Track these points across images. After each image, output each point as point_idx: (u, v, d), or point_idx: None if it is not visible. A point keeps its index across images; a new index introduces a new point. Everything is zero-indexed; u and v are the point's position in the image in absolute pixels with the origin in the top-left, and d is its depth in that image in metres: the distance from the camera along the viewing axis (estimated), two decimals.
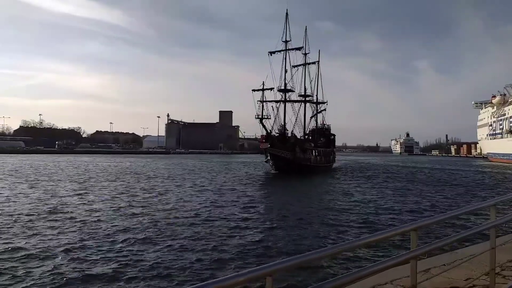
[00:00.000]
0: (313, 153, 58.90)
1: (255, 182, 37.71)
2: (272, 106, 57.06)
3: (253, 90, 54.48)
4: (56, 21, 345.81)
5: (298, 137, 60.13)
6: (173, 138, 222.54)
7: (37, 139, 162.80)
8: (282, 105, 58.79)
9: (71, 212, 18.33)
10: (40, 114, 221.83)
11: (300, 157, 51.95)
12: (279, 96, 58.60)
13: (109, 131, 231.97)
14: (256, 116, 52.72)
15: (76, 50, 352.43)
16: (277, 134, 54.39)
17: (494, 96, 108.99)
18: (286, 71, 57.66)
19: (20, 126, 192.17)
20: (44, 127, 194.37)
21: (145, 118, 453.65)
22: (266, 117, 53.19)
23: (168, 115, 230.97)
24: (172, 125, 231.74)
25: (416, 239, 3.93)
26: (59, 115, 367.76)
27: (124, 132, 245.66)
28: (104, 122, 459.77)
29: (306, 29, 65.71)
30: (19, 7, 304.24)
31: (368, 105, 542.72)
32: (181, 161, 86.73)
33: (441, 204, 23.50)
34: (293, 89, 59.49)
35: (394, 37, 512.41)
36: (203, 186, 32.34)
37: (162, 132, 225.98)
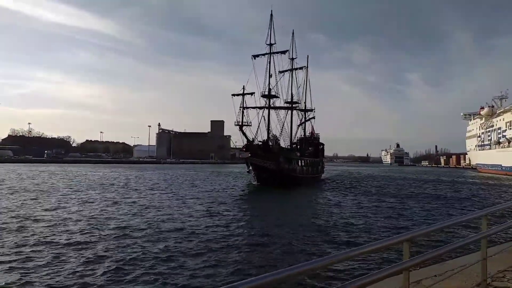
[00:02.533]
0: (299, 163, 55.66)
1: (231, 197, 33.46)
2: (257, 113, 54.03)
3: (233, 95, 51.08)
4: (47, 30, 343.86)
5: (284, 146, 57.11)
6: (164, 147, 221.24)
7: (26, 148, 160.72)
8: (266, 112, 55.18)
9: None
10: (29, 123, 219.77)
11: (285, 167, 48.52)
12: (263, 102, 55.21)
13: (99, 140, 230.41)
14: (236, 123, 49.53)
15: (67, 59, 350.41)
16: (260, 143, 50.70)
17: (482, 108, 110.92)
18: (270, 75, 54.28)
19: (8, 135, 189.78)
20: (33, 136, 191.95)
21: (136, 128, 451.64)
22: (246, 124, 49.86)
23: (159, 125, 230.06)
24: (163, 134, 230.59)
25: (408, 250, 3.91)
26: (48, 125, 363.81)
27: (115, 141, 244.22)
28: (94, 131, 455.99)
29: (293, 33, 62.88)
30: (9, 15, 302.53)
31: (359, 115, 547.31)
32: (163, 172, 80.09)
33: (434, 215, 23.66)
34: (278, 95, 56.07)
35: (384, 49, 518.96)
36: (163, 203, 27.13)
37: (153, 142, 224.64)
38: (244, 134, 49.04)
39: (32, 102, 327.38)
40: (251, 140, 49.34)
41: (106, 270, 11.05)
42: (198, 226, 18.08)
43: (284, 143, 58.09)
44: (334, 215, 23.04)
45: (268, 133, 54.33)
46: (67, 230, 16.66)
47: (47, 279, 10.20)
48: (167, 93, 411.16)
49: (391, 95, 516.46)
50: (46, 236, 15.31)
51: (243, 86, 49.94)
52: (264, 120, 54.37)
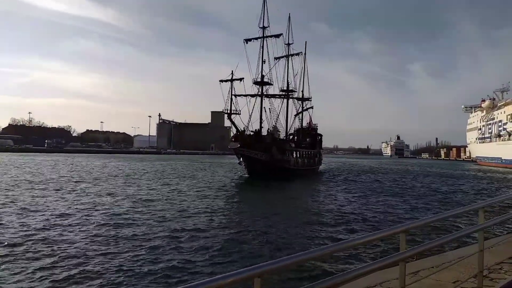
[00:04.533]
0: (294, 154, 52.64)
1: (220, 189, 31.84)
2: (248, 101, 50.90)
3: (221, 81, 47.23)
4: (49, 19, 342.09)
5: (281, 137, 54.62)
6: (165, 138, 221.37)
7: (27, 137, 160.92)
8: (259, 100, 51.85)
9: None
10: (29, 112, 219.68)
11: (278, 158, 45.77)
12: (255, 90, 51.68)
13: (99, 130, 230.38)
14: (224, 111, 46.31)
15: (69, 48, 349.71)
16: (252, 133, 48.03)
17: (483, 101, 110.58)
18: (264, 61, 50.44)
19: (9, 124, 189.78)
20: (34, 126, 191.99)
21: (137, 118, 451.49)
22: (235, 112, 46.50)
23: (159, 115, 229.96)
24: (163, 124, 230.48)
25: (405, 241, 3.93)
26: (49, 114, 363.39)
27: (115, 131, 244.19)
28: (95, 121, 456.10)
29: (289, 17, 59.22)
30: (12, 4, 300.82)
31: (360, 107, 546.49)
32: (160, 163, 78.68)
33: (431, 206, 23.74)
34: (271, 82, 52.29)
35: (388, 40, 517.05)
36: (149, 198, 24.69)
37: (154, 132, 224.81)
38: (233, 123, 46.26)
39: (32, 91, 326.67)
40: (242, 129, 46.86)
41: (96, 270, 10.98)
42: (175, 227, 15.87)
43: (280, 134, 56.06)
44: (326, 208, 22.11)
45: (261, 122, 51.24)
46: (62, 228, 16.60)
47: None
48: (168, 83, 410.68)
49: (393, 86, 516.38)
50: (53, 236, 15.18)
51: (232, 71, 46.67)
52: (258, 109, 51.45)
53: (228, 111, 45.85)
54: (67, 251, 11.88)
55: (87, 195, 25.75)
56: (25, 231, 14.38)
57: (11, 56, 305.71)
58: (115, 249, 12.31)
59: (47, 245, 12.46)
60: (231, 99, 46.10)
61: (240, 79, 47.23)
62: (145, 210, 19.93)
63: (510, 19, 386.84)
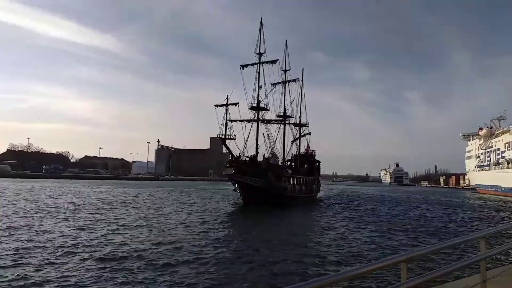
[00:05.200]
0: (291, 181, 51.04)
1: (212, 219, 29.19)
2: (244, 126, 50.04)
3: (216, 106, 46.75)
4: (48, 45, 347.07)
5: (276, 162, 53.42)
6: (163, 164, 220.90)
7: (24, 163, 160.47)
8: (255, 126, 50.98)
9: None
10: (28, 138, 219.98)
11: (274, 185, 44.34)
12: (252, 115, 51.18)
13: (98, 156, 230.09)
14: (218, 136, 45.52)
15: (68, 74, 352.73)
16: (247, 159, 47.15)
17: (481, 129, 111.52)
18: (260, 87, 50.43)
19: (7, 149, 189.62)
20: (32, 151, 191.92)
21: (135, 144, 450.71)
22: (230, 137, 45.61)
23: (158, 141, 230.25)
24: (162, 150, 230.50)
25: (406, 271, 3.85)
26: (48, 139, 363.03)
27: (113, 157, 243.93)
28: (93, 147, 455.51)
29: (286, 43, 59.53)
30: (13, 30, 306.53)
31: (358, 133, 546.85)
32: (147, 191, 76.88)
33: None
34: (268, 108, 51.85)
35: (384, 67, 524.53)
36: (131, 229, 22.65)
37: (152, 158, 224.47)
38: (228, 148, 45.48)
39: (31, 116, 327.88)
40: (238, 155, 46.25)
41: None
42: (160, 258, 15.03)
43: (277, 160, 54.95)
44: (322, 238, 21.43)
45: (257, 148, 50.24)
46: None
47: None
48: (167, 109, 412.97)
49: (391, 114, 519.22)
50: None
51: (227, 96, 46.35)
52: (254, 134, 50.61)
53: (223, 136, 45.05)
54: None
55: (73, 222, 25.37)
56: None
57: (9, 80, 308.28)
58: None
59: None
60: (226, 123, 45.53)
61: (235, 104, 46.83)
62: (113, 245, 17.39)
63: (503, 49, 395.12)
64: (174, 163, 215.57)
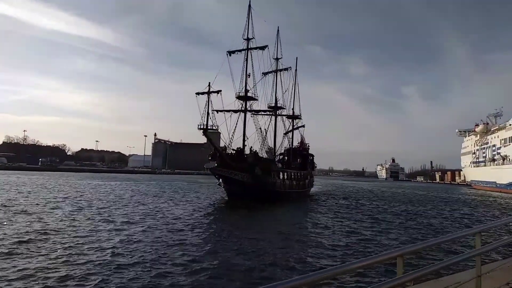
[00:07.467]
0: (281, 175, 47.62)
1: (192, 215, 27.25)
2: (230, 116, 47.07)
3: (197, 94, 42.09)
4: (44, 37, 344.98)
5: (267, 157, 50.30)
6: (160, 157, 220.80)
7: (20, 155, 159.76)
8: (243, 116, 47.90)
9: None
10: (24, 130, 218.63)
11: (262, 180, 41.68)
12: (238, 105, 47.94)
13: (94, 149, 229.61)
14: (199, 127, 40.95)
15: (65, 67, 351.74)
16: (233, 152, 44.66)
17: (477, 125, 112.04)
18: (249, 75, 47.14)
19: (3, 141, 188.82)
20: (28, 144, 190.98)
21: (132, 137, 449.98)
22: (212, 128, 41.63)
23: (155, 134, 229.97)
24: (159, 144, 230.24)
25: (402, 266, 3.84)
26: (44, 132, 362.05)
27: (110, 150, 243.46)
28: (90, 140, 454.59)
29: (278, 30, 56.45)
30: (9, 22, 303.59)
31: (355, 128, 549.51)
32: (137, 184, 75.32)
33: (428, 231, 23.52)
34: (256, 97, 48.42)
35: (381, 62, 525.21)
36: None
37: (149, 152, 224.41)
38: (209, 140, 42.26)
39: (28, 108, 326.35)
40: (223, 147, 43.97)
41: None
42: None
43: (266, 154, 51.84)
44: (311, 234, 20.65)
45: (244, 140, 47.09)
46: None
47: None
48: (165, 102, 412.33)
49: (388, 109, 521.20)
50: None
51: (209, 83, 41.48)
52: (242, 125, 47.65)
53: (204, 127, 40.50)
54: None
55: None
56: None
57: (5, 72, 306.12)
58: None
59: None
60: (208, 113, 41.01)
61: (218, 92, 41.98)
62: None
63: (501, 44, 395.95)
64: (170, 157, 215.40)
